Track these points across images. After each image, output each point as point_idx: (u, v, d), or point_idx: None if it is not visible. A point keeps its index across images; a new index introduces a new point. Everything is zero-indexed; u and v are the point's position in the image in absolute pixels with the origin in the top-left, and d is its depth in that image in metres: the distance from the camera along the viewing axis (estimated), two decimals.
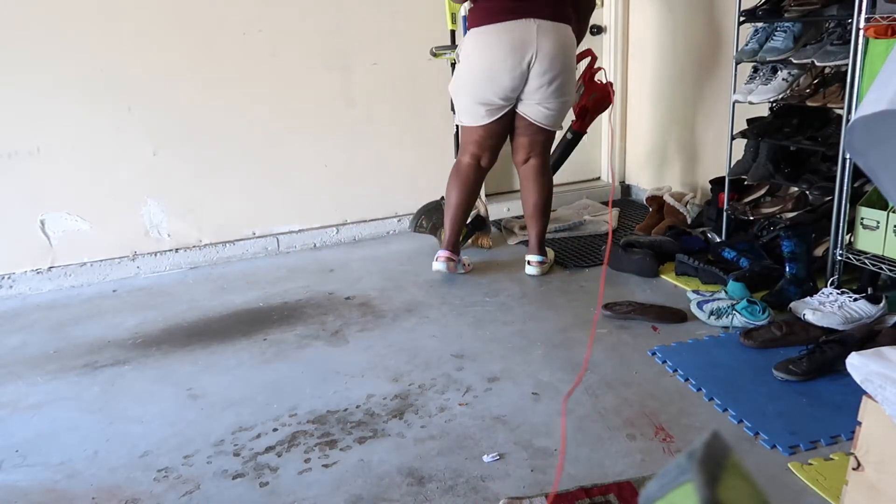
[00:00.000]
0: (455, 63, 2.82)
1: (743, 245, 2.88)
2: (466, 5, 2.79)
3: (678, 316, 2.49)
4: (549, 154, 2.98)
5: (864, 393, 1.33)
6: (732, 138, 2.94)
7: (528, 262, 3.01)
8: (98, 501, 1.69)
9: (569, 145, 3.47)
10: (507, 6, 2.62)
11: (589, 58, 3.19)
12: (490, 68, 2.66)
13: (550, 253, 3.13)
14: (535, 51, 2.61)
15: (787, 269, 2.54)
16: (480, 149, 2.90)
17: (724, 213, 3.07)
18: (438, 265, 2.96)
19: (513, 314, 2.64)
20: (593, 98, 3.21)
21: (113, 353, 2.51)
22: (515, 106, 2.80)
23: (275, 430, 1.95)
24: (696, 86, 3.59)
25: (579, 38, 2.90)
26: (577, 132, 3.39)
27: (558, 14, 2.66)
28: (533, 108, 2.77)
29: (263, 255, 3.54)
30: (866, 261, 2.37)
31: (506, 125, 2.84)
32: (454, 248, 2.98)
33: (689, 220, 3.43)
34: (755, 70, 2.87)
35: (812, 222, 2.69)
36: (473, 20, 2.70)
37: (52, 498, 1.72)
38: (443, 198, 3.47)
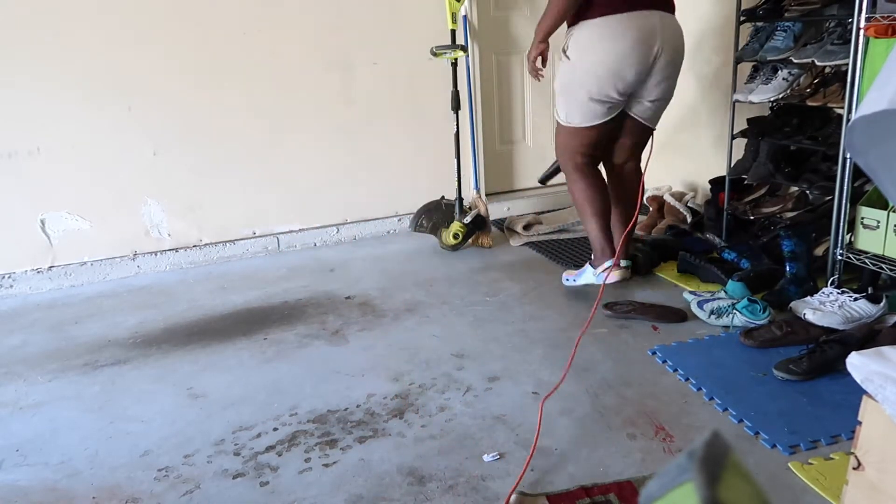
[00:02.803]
0: (565, 57, 2.54)
1: (743, 247, 2.87)
2: None
3: (678, 315, 2.49)
4: None
5: (865, 392, 1.33)
6: (733, 138, 2.95)
7: (619, 266, 2.72)
8: (98, 501, 1.69)
9: None
10: None
11: None
12: (615, 61, 2.45)
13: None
14: (661, 44, 2.45)
15: (788, 269, 2.54)
16: (593, 149, 2.69)
17: (724, 213, 3.07)
18: (619, 275, 2.70)
19: (513, 314, 2.64)
20: None
21: (113, 352, 2.51)
22: (626, 106, 2.63)
23: (275, 429, 1.95)
24: (696, 86, 3.59)
25: None
26: None
27: (674, 8, 2.53)
28: (644, 107, 2.61)
29: (264, 254, 3.54)
30: (867, 260, 2.37)
31: (615, 127, 2.67)
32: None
33: (688, 221, 3.43)
34: (755, 69, 2.87)
35: (812, 222, 2.69)
36: (591, 11, 2.47)
37: (53, 497, 1.72)
38: (443, 197, 3.47)
